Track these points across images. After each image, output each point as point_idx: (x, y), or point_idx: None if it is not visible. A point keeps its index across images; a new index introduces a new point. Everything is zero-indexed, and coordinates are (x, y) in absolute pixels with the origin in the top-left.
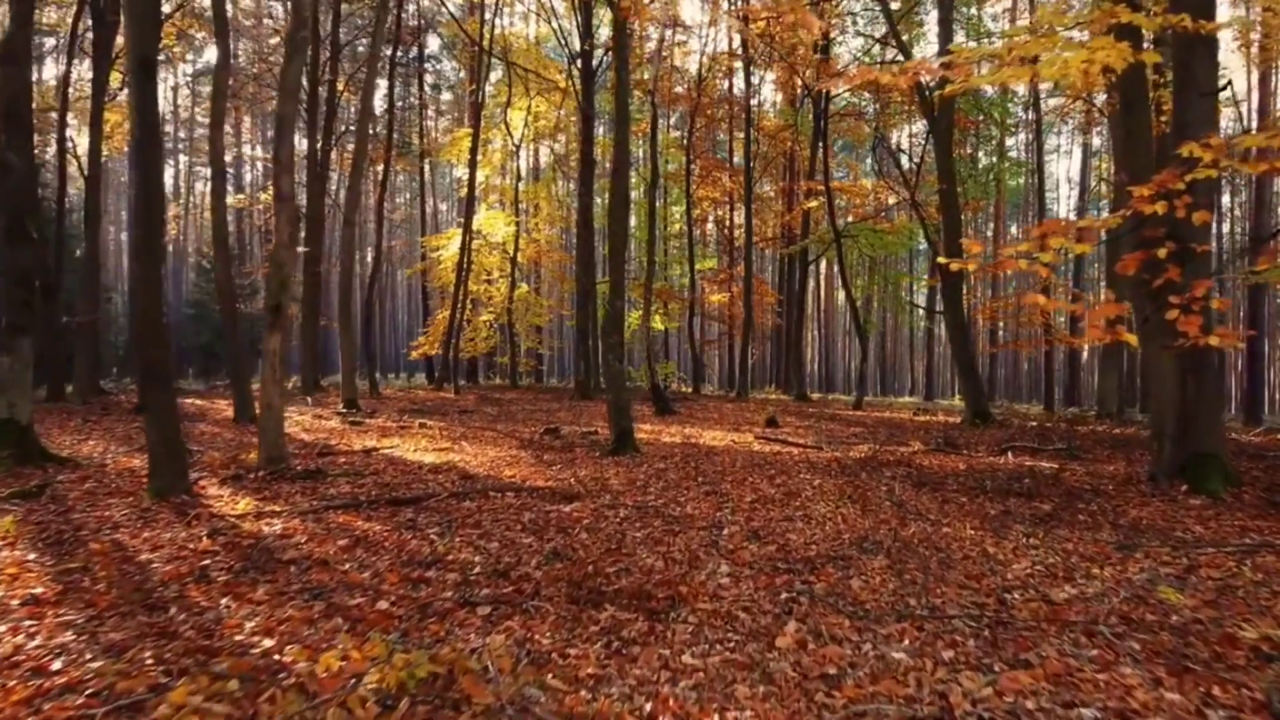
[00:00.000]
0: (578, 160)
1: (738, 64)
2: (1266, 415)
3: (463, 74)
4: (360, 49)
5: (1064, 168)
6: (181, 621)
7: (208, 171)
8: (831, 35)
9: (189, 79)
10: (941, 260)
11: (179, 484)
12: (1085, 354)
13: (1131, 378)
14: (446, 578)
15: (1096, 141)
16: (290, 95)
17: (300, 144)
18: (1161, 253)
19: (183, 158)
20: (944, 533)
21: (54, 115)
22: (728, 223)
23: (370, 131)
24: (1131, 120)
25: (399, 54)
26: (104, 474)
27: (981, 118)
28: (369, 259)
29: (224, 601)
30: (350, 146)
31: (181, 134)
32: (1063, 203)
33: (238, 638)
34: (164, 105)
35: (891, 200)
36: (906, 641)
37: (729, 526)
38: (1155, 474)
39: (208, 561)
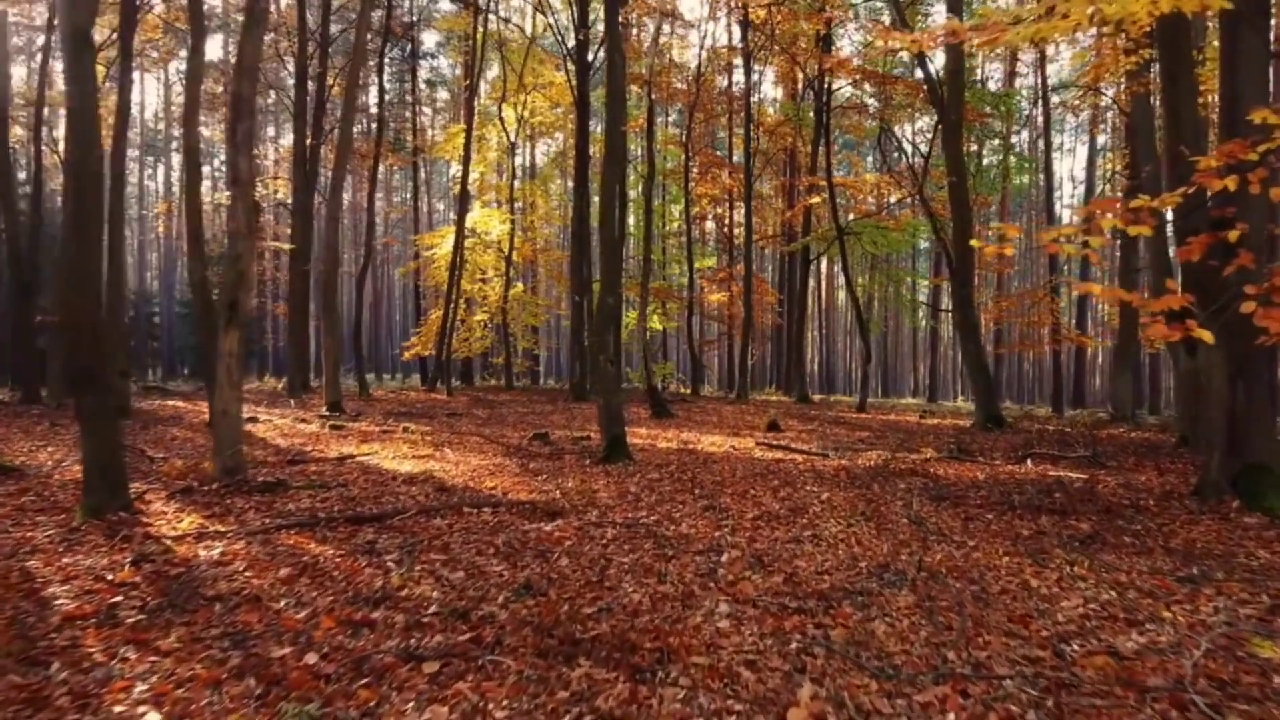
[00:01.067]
0: (573, 156)
1: (737, 60)
2: None
3: (458, 70)
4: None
5: (1067, 166)
6: (60, 683)
7: (204, 169)
8: (833, 22)
9: (181, 76)
10: (975, 244)
11: (116, 500)
12: (1087, 355)
13: (1139, 379)
14: (395, 620)
15: (1101, 139)
16: (248, 72)
17: (287, 139)
18: (1233, 235)
19: (175, 156)
20: (974, 559)
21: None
22: (727, 220)
23: (357, 124)
24: (1176, 94)
25: (390, 47)
26: (47, 486)
27: (988, 110)
28: (375, 258)
29: (124, 652)
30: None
31: (175, 131)
32: (1066, 201)
33: (119, 708)
34: (156, 103)
35: (895, 197)
36: (951, 715)
37: (729, 550)
38: (1201, 488)
39: (120, 598)
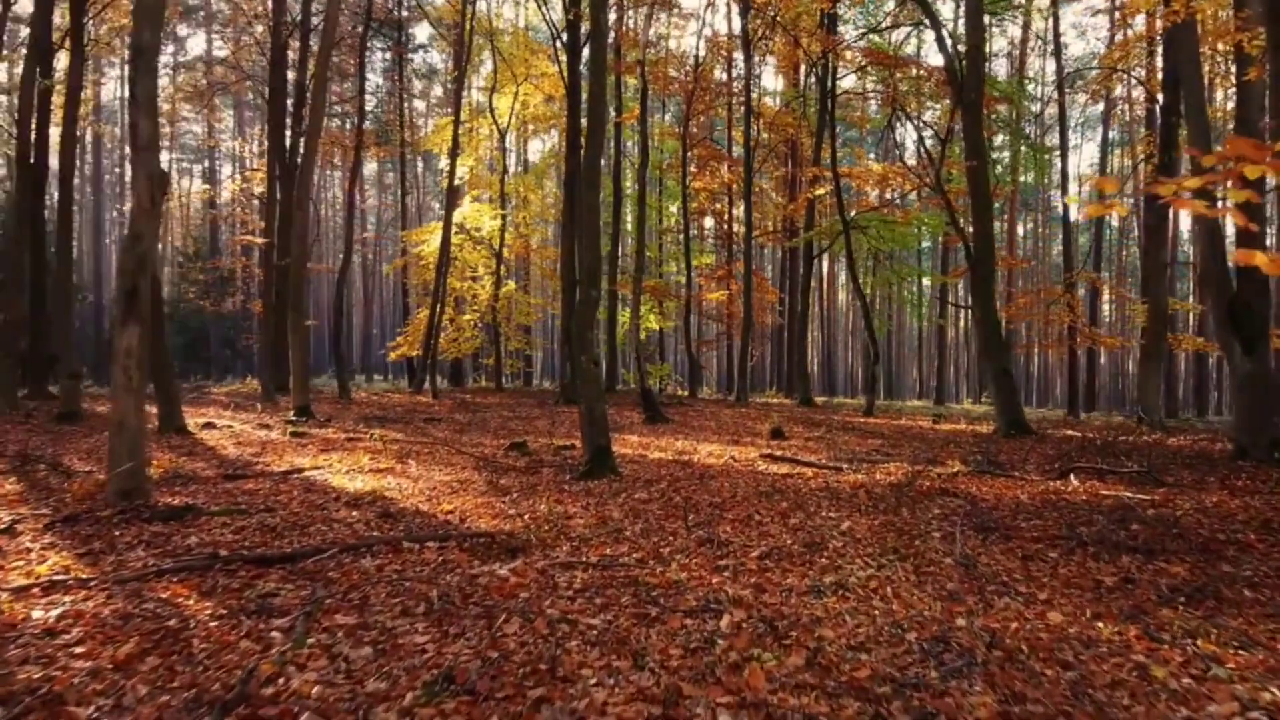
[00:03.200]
0: (563, 146)
1: (737, 54)
2: None
3: (451, 62)
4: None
5: (1073, 164)
6: None
7: (194, 168)
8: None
9: (169, 71)
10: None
11: None
12: (1099, 357)
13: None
14: None
15: (1111, 134)
16: (151, 17)
17: (257, 125)
18: None
19: (166, 154)
20: (1056, 624)
21: None
22: (726, 216)
23: (346, 117)
24: None
25: (372, 35)
26: None
27: (997, 94)
28: (366, 255)
29: None
30: (325, 136)
31: (166, 128)
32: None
33: None
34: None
35: (906, 188)
36: None
37: (730, 611)
38: None
39: None
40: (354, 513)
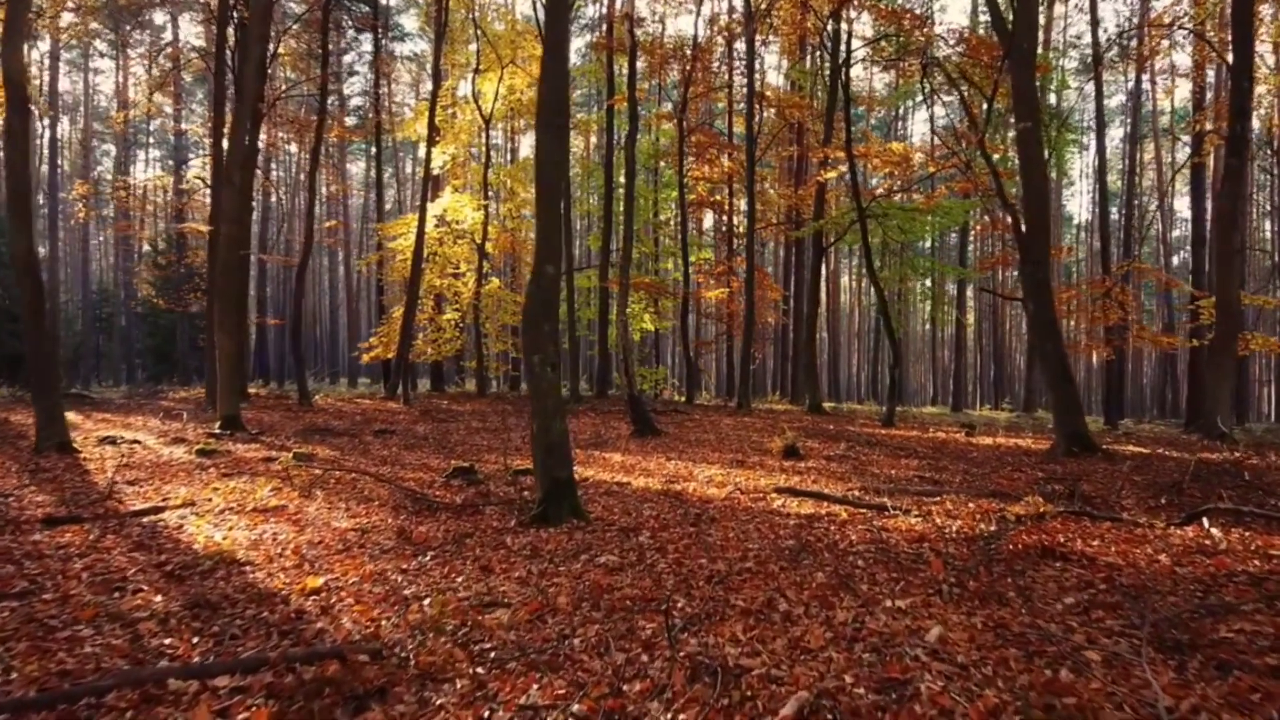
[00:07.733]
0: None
1: (738, 43)
2: None
3: (433, 43)
4: (293, 5)
5: (1090, 157)
6: None
7: (178, 164)
8: None
9: (145, 63)
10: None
11: None
12: (1129, 358)
13: (1192, 385)
14: None
15: (1120, 134)
16: None
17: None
18: None
19: (155, 151)
20: None
21: None
22: (726, 207)
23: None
24: None
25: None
26: None
27: None
28: (351, 252)
29: None
30: (293, 119)
31: (153, 125)
32: (1082, 198)
33: None
34: (109, 87)
35: (931, 169)
36: None
37: None
38: None
39: None
40: (158, 597)
